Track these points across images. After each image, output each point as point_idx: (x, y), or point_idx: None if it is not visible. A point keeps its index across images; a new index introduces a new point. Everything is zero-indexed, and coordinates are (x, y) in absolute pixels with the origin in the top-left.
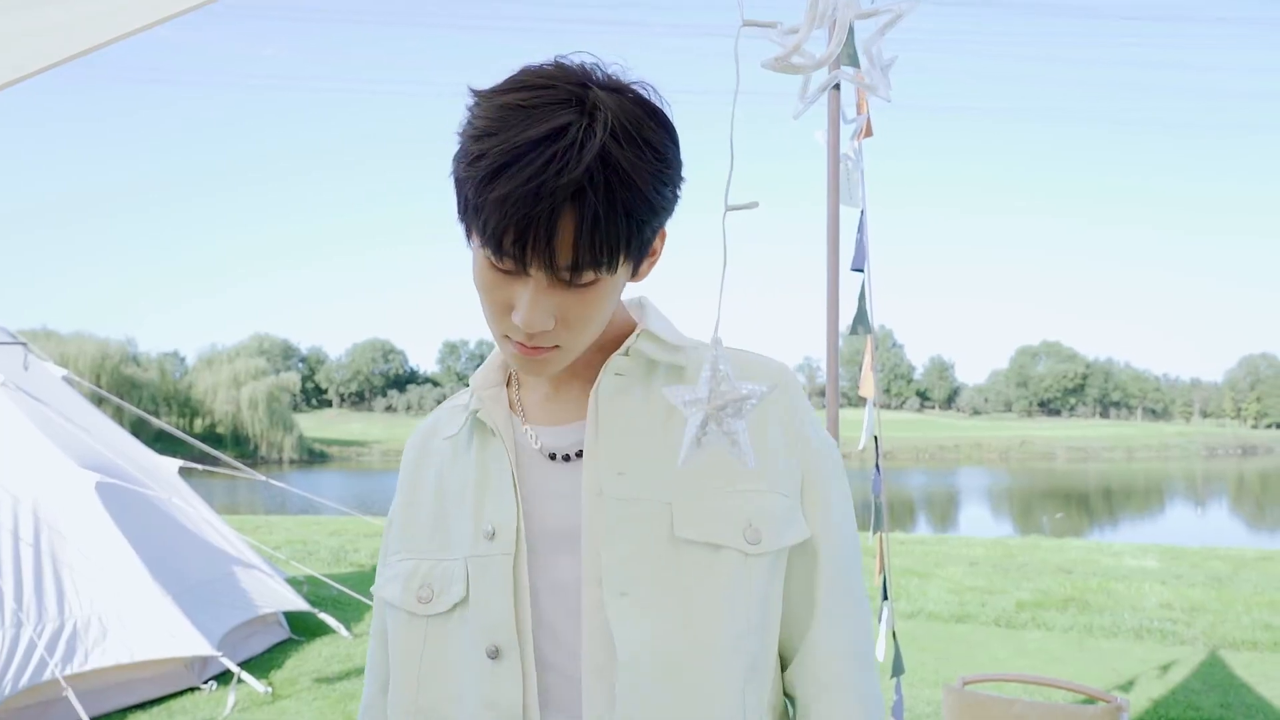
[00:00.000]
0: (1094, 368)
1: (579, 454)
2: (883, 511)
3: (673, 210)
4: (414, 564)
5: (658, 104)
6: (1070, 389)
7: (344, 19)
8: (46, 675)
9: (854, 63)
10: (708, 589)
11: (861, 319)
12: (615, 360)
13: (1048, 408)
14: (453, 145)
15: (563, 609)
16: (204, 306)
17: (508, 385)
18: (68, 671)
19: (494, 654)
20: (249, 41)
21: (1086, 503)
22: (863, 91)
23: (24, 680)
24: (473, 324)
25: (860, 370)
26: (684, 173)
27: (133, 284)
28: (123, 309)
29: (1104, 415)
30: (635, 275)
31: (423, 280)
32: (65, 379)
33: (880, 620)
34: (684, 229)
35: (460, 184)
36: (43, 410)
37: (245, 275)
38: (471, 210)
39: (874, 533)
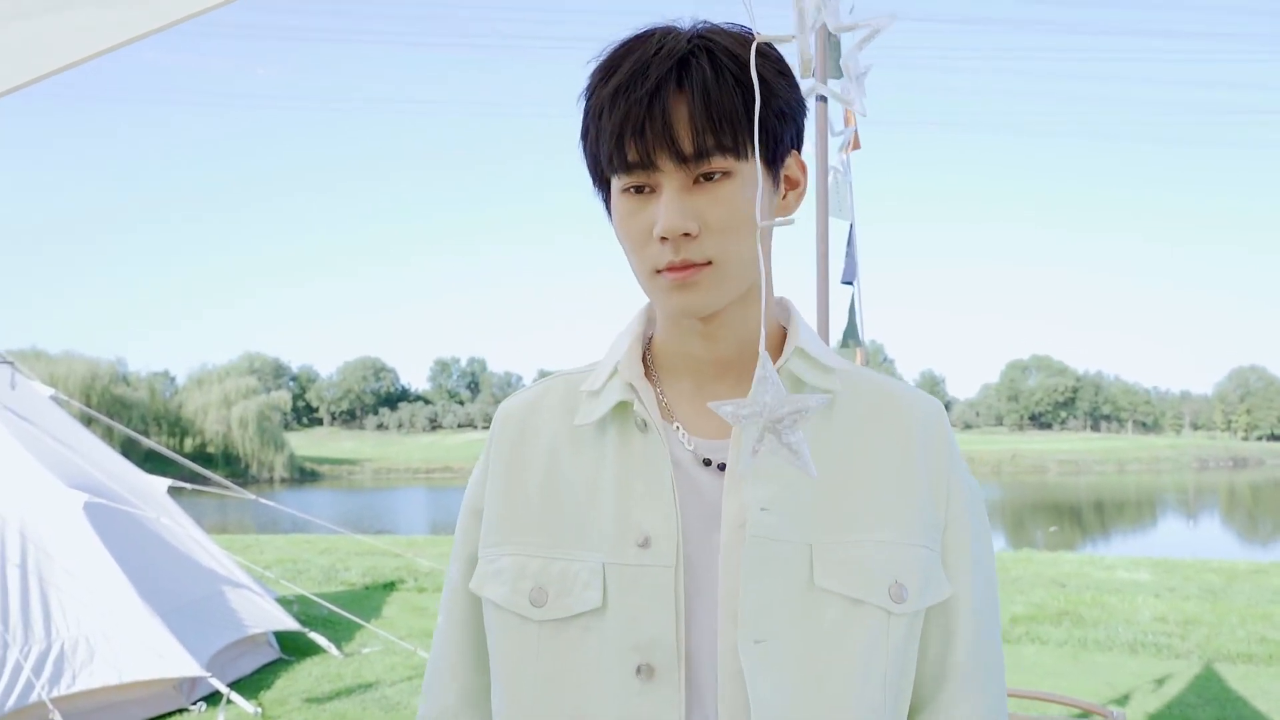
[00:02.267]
0: (1084, 381)
1: (722, 466)
2: None
3: (798, 120)
4: (522, 560)
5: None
6: (1061, 402)
7: (335, 38)
8: (33, 697)
9: (839, 74)
10: (846, 645)
11: (851, 332)
12: (764, 374)
13: (1039, 421)
14: (435, 166)
15: (700, 637)
16: (194, 326)
17: (648, 376)
18: (55, 693)
19: (647, 673)
20: (240, 60)
21: (1079, 516)
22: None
23: (10, 702)
24: (464, 341)
25: None
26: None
27: (123, 304)
28: (113, 329)
29: (1095, 428)
30: (779, 195)
31: (414, 298)
32: (53, 398)
33: None
34: None
35: (584, 134)
36: (30, 430)
37: (236, 294)
38: (595, 138)
39: None
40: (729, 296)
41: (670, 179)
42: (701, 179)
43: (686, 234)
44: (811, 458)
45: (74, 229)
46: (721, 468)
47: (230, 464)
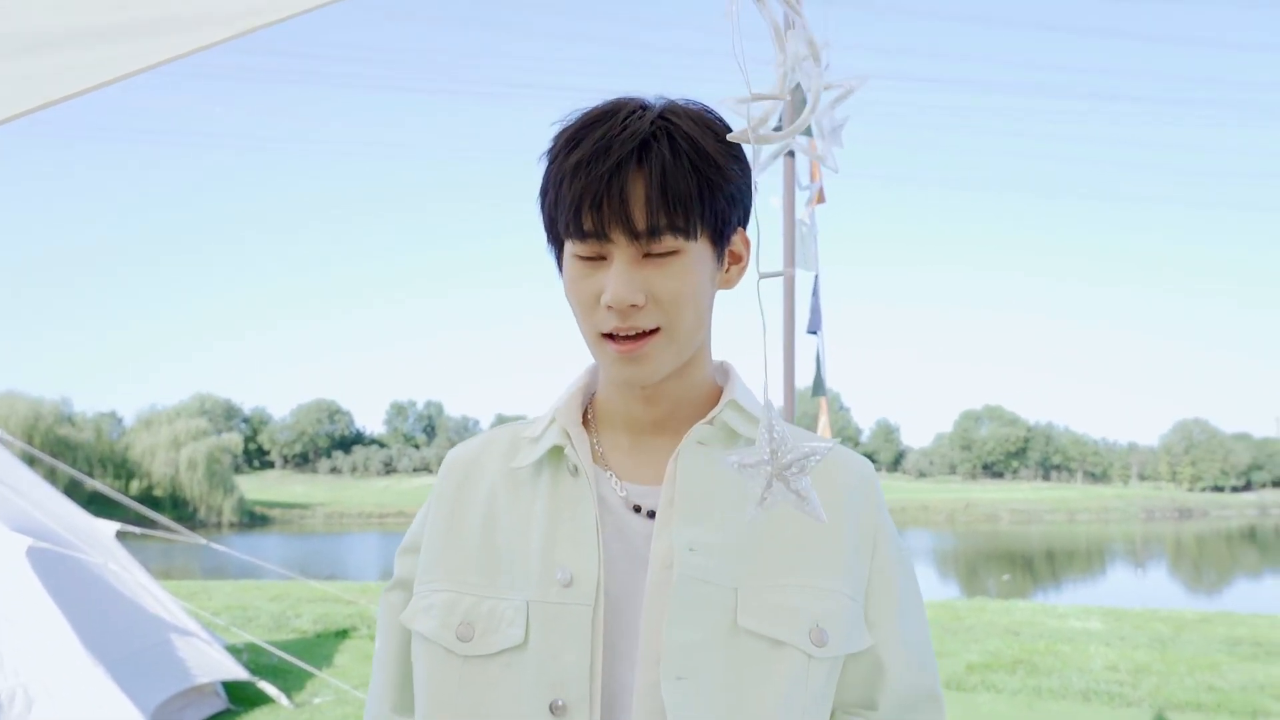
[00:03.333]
0: (1035, 431)
1: (651, 514)
2: None
3: (745, 201)
4: (453, 597)
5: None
6: (1012, 452)
7: (293, 80)
8: None
9: (807, 132)
10: (767, 685)
11: (818, 385)
12: (699, 428)
13: (991, 470)
14: (392, 210)
15: (624, 674)
16: (143, 366)
17: (586, 427)
18: None
19: (560, 710)
20: (197, 101)
21: (1031, 565)
22: (816, 163)
23: None
24: (420, 384)
25: (817, 431)
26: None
27: (69, 344)
28: (57, 368)
29: (1045, 478)
30: (722, 270)
31: (370, 342)
32: None
33: None
34: None
35: (544, 194)
36: None
37: (188, 335)
38: (554, 202)
39: None
40: (674, 364)
41: (622, 251)
42: (654, 256)
43: (633, 305)
44: (742, 502)
45: (20, 268)
46: (651, 515)
47: (178, 507)
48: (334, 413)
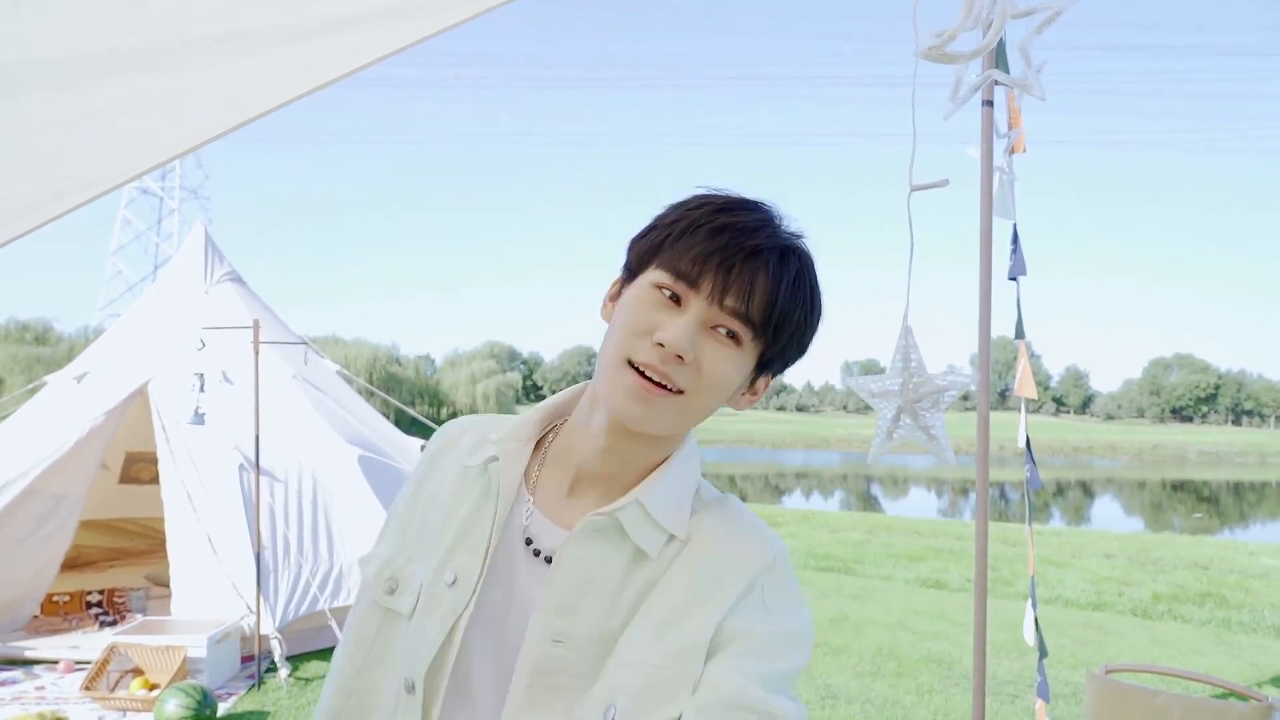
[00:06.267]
0: (1226, 378)
1: (549, 559)
2: (1032, 506)
3: (798, 358)
4: (394, 552)
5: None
6: (1202, 397)
7: (581, 85)
8: (318, 606)
9: (1005, 69)
10: None
11: (1019, 326)
12: (594, 518)
13: (1180, 414)
14: (648, 193)
15: (486, 689)
16: (450, 318)
17: (535, 449)
18: (333, 604)
19: (409, 689)
20: (499, 101)
21: (1219, 503)
22: (1016, 109)
23: (302, 609)
24: None
25: (1015, 374)
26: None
27: (400, 303)
28: (390, 321)
29: (1236, 423)
30: (744, 392)
31: None
32: (339, 373)
33: (1028, 605)
34: None
35: (670, 222)
36: (320, 397)
37: (483, 292)
38: (681, 234)
39: (1029, 525)
40: (668, 431)
41: (700, 309)
42: (721, 330)
43: (680, 356)
44: (618, 597)
45: (367, 214)
46: (537, 554)
47: None
48: (590, 356)
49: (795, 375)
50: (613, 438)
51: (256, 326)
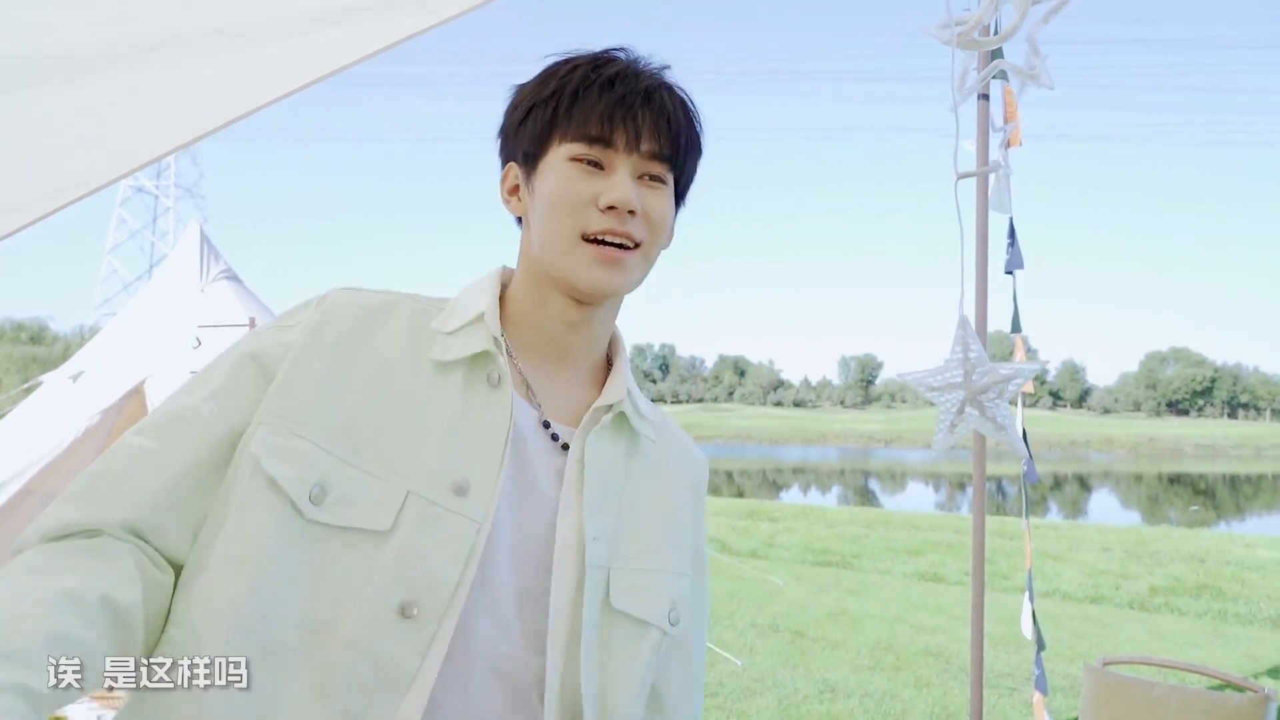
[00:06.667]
0: (1222, 371)
1: (564, 446)
2: (1029, 499)
3: (692, 177)
4: (316, 452)
5: None
6: (1198, 391)
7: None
8: None
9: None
10: (632, 662)
11: (1015, 319)
12: (601, 418)
13: (1176, 408)
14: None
15: (498, 599)
16: None
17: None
18: None
19: (408, 612)
20: None
21: (1214, 496)
22: (1012, 103)
23: None
24: (656, 331)
25: None
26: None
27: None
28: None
29: (1232, 415)
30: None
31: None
32: None
33: (1026, 598)
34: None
35: (538, 105)
36: None
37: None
38: (569, 105)
39: (1025, 519)
40: (635, 284)
41: (626, 164)
42: (647, 177)
43: (632, 211)
44: (622, 489)
45: (362, 211)
46: (565, 447)
47: None
48: None
49: (793, 371)
50: (580, 312)
51: (253, 324)
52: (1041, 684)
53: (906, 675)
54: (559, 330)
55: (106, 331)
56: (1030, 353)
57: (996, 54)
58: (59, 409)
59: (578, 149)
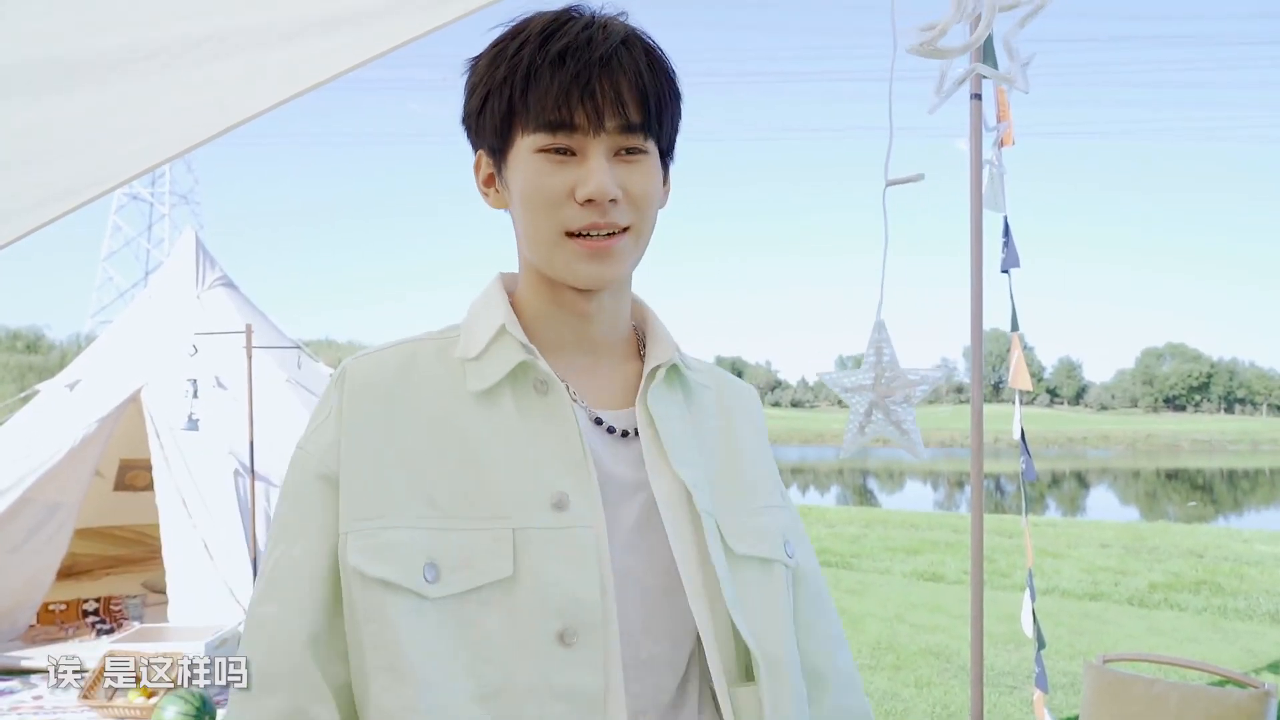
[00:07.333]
0: (1218, 366)
1: (632, 432)
2: (1028, 496)
3: (676, 129)
4: (410, 534)
5: None
6: (1195, 386)
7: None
8: None
9: (992, 63)
10: (771, 602)
11: (1014, 318)
12: (659, 369)
13: (1173, 404)
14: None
15: (633, 595)
16: (441, 317)
17: None
18: None
19: (569, 640)
20: None
21: (1212, 491)
22: (1004, 102)
23: None
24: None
25: (1009, 367)
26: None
27: (394, 306)
28: (384, 324)
29: (1229, 411)
30: (664, 182)
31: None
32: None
33: (1026, 596)
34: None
35: (493, 92)
36: (314, 401)
37: (473, 288)
38: (522, 93)
39: (1025, 516)
40: (632, 268)
41: (597, 146)
42: (624, 152)
43: (613, 199)
44: (698, 439)
45: (359, 217)
46: (625, 434)
47: None
48: None
49: (790, 371)
50: (589, 301)
51: (249, 331)
52: (1042, 682)
53: (907, 674)
54: (576, 323)
55: (103, 339)
56: (1027, 349)
57: (987, 56)
58: (56, 417)
59: (542, 139)
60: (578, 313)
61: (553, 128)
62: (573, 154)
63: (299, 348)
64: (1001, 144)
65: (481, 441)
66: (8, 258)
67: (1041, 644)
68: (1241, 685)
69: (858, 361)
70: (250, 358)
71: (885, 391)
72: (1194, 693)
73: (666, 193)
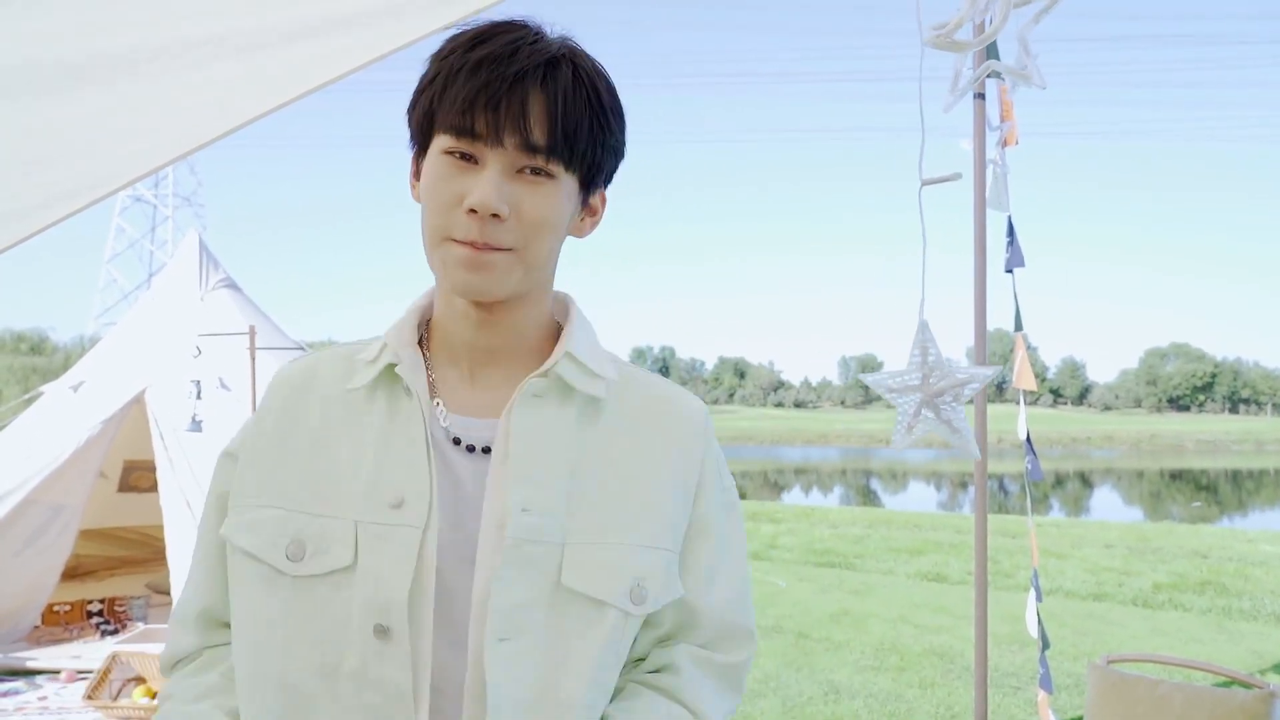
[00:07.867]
0: (1222, 366)
1: (486, 449)
2: (1033, 499)
3: (617, 161)
4: (283, 514)
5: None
6: (1199, 386)
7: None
8: None
9: (997, 59)
10: (585, 643)
11: (1018, 318)
12: (533, 381)
13: (1176, 404)
14: (675, 188)
15: (457, 605)
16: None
17: (422, 350)
18: None
19: (383, 633)
20: None
21: (1217, 492)
22: (1007, 101)
23: None
24: (656, 334)
25: (1013, 367)
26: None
27: (396, 307)
28: (386, 325)
29: (1233, 411)
30: (581, 217)
31: (614, 299)
32: None
33: (1031, 597)
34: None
35: (429, 83)
36: None
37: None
38: (441, 92)
39: (1030, 517)
40: (514, 289)
41: (498, 159)
42: (527, 171)
43: (496, 215)
44: (574, 459)
45: (362, 218)
46: (470, 449)
47: None
48: None
49: (793, 371)
50: (478, 310)
51: (253, 333)
52: (1046, 682)
53: (911, 675)
54: (469, 331)
55: (106, 341)
56: (1030, 350)
57: (992, 53)
58: (60, 419)
59: (448, 142)
60: (470, 320)
61: (457, 132)
62: (475, 162)
63: (302, 349)
64: (1005, 143)
65: (353, 436)
66: (11, 260)
67: (1046, 644)
68: (1246, 686)
69: (862, 361)
70: (254, 359)
71: (934, 391)
72: (1199, 693)
73: (591, 223)
